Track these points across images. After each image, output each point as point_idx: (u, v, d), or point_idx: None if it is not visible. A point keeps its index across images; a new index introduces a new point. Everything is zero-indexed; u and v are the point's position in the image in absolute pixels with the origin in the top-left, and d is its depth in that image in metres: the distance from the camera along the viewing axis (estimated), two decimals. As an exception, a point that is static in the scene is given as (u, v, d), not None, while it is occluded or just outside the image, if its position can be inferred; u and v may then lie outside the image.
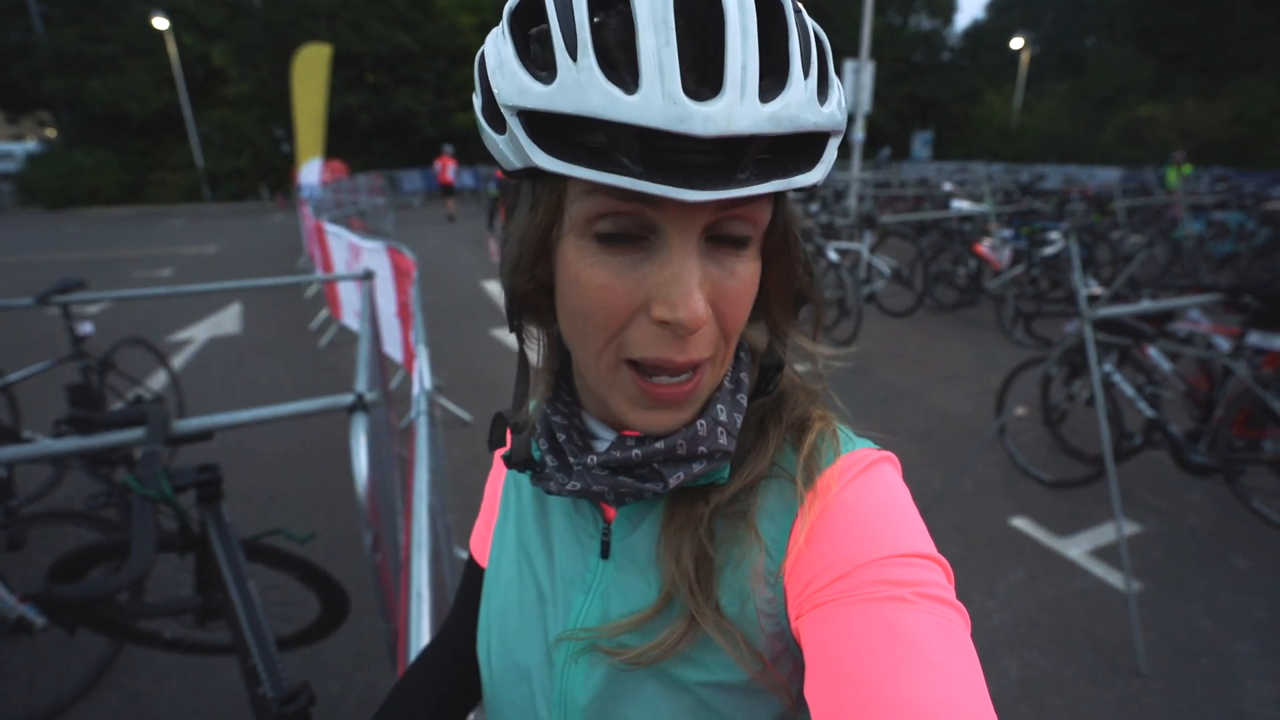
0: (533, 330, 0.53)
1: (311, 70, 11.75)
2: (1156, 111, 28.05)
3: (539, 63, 0.38)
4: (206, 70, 25.01)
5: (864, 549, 0.43)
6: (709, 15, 0.35)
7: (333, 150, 15.45)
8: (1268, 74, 25.73)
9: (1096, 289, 3.96)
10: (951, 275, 6.73)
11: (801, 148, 0.39)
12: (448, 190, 15.90)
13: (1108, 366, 3.09)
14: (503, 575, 0.59)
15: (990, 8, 42.65)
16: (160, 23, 23.06)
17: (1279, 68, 25.66)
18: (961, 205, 7.68)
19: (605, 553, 0.52)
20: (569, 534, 0.55)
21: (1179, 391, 3.12)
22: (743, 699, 0.47)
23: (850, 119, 10.99)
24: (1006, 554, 2.80)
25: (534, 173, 0.40)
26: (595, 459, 0.48)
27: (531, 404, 0.63)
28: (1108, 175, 18.70)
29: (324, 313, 6.49)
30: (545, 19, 0.37)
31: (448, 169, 15.49)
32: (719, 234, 0.41)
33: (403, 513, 2.22)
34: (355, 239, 4.96)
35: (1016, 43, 33.89)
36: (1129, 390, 3.08)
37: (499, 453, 0.65)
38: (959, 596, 0.43)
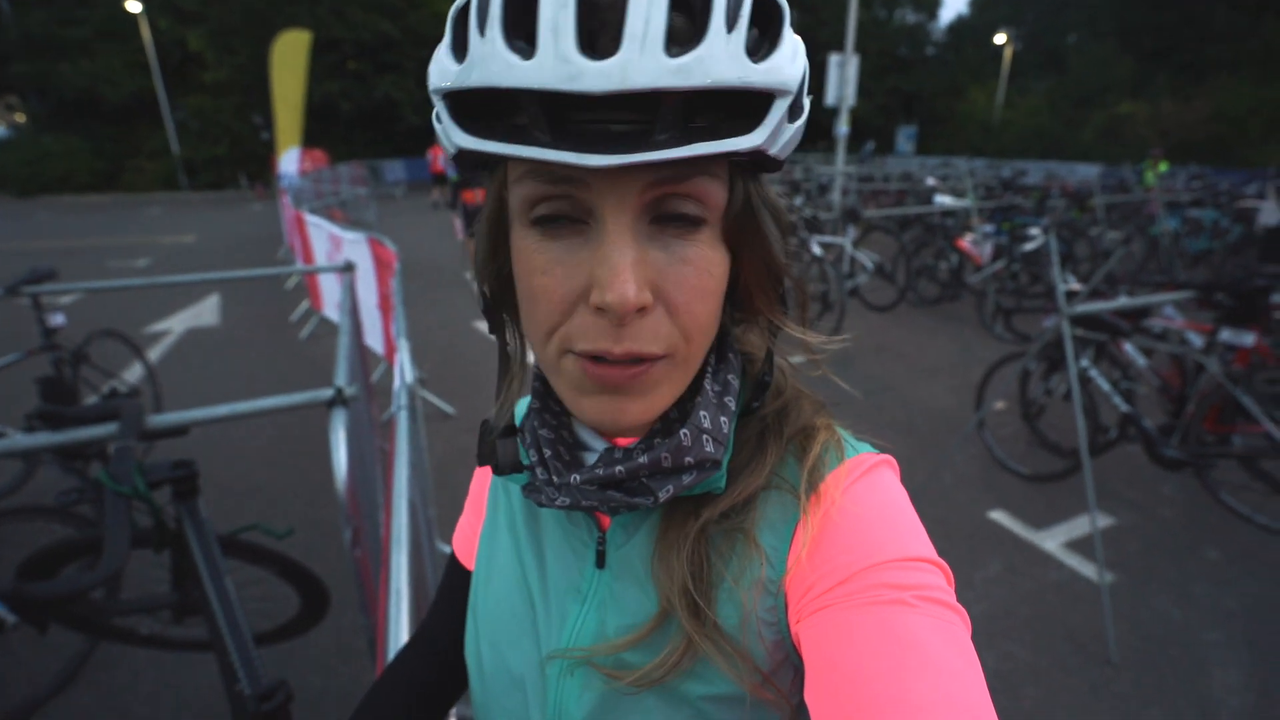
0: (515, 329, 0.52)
1: (291, 56, 11.54)
2: (1135, 109, 28.48)
3: (460, 45, 0.37)
4: (183, 55, 24.51)
5: (864, 554, 0.42)
6: None
7: (313, 139, 15.23)
8: (1245, 73, 26.19)
9: (1075, 285, 4.03)
10: (934, 270, 6.79)
11: (739, 109, 0.36)
12: (439, 179, 15.85)
13: (1085, 362, 3.14)
14: (493, 581, 0.58)
15: (974, 3, 42.95)
16: (134, 6, 22.54)
17: (1256, 67, 26.12)
18: (944, 200, 7.74)
19: (600, 562, 0.51)
20: (562, 541, 0.54)
21: (1153, 387, 3.18)
22: (743, 712, 0.46)
23: (835, 112, 11.06)
24: (985, 547, 2.84)
25: (477, 161, 0.40)
26: (579, 477, 0.45)
27: (522, 403, 0.62)
28: (1087, 171, 18.97)
29: (304, 304, 6.41)
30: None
31: (439, 158, 15.42)
32: (663, 213, 0.39)
33: (384, 507, 2.20)
34: (336, 230, 4.89)
35: (999, 38, 34.20)
36: (1105, 385, 3.13)
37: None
38: (944, 592, 0.43)
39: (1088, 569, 2.68)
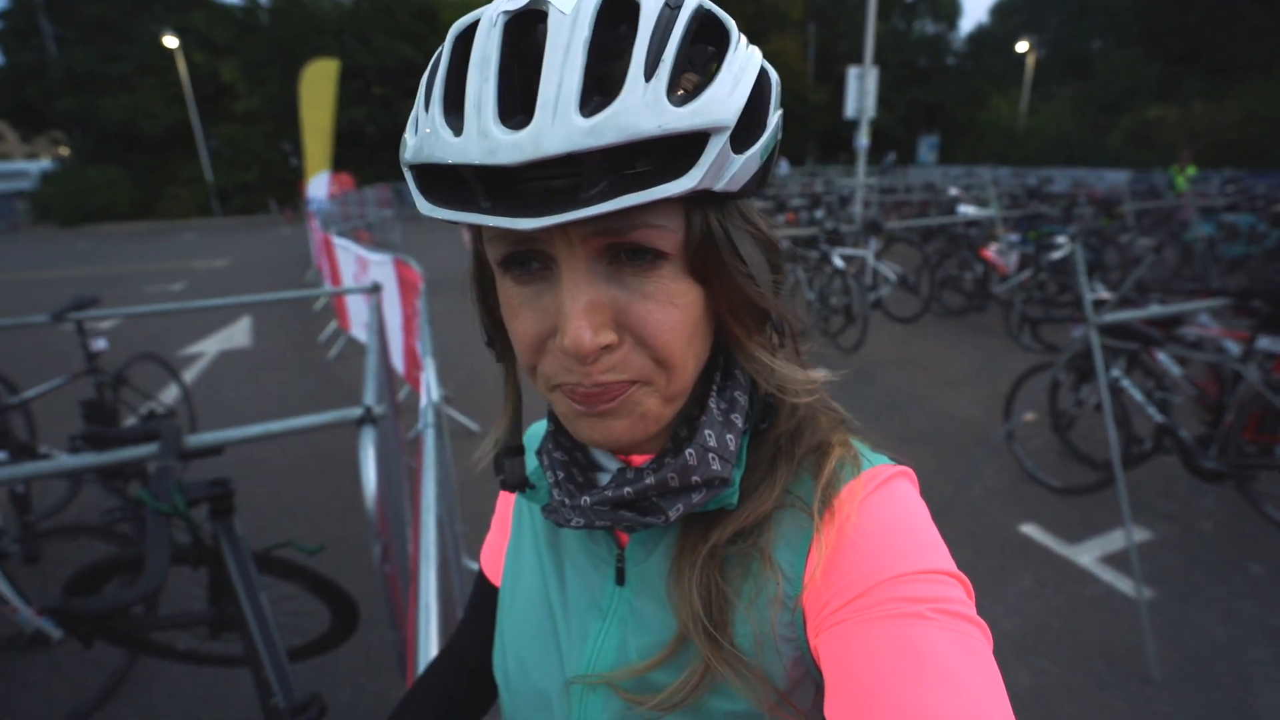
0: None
1: (319, 84, 11.91)
2: (1164, 113, 27.92)
3: (416, 119, 0.40)
4: (216, 86, 25.43)
5: (881, 566, 0.42)
6: (539, 43, 0.36)
7: (340, 163, 15.64)
8: (1278, 74, 25.55)
9: (1104, 294, 3.95)
10: (958, 280, 6.71)
11: (675, 151, 0.36)
12: None
13: (1116, 372, 3.07)
14: (518, 598, 0.59)
15: (994, 12, 42.64)
16: (170, 41, 23.48)
17: (1289, 68, 25.50)
18: (968, 210, 7.66)
19: (620, 579, 0.52)
20: (583, 558, 0.55)
21: (1189, 396, 3.10)
22: None
23: (855, 124, 11.03)
24: (1015, 560, 2.78)
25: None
26: (589, 500, 0.47)
27: (539, 426, 0.64)
28: (1116, 178, 18.56)
29: (333, 325, 6.55)
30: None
31: None
32: (622, 252, 0.40)
33: (411, 523, 2.23)
34: (362, 251, 5.01)
35: (1021, 46, 33.90)
36: (1138, 395, 3.06)
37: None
38: (971, 605, 0.44)
39: (1124, 584, 2.60)
